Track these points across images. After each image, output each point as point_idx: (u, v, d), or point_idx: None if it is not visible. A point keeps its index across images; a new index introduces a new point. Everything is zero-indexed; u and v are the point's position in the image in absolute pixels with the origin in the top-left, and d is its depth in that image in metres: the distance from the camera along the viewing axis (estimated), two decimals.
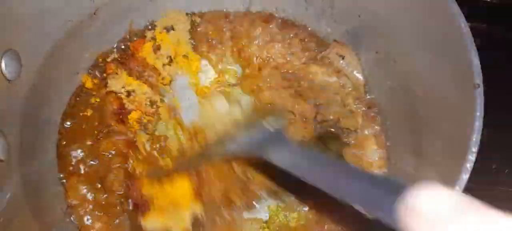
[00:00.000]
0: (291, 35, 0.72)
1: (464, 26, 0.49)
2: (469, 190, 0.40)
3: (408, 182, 0.22)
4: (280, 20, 0.72)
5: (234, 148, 0.54)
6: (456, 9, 0.50)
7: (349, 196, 0.32)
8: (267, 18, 0.72)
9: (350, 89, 0.68)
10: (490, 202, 0.20)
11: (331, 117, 0.67)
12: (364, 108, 0.67)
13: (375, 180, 0.32)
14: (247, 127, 0.55)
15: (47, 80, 0.64)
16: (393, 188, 0.24)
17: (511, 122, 0.79)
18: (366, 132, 0.65)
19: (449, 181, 0.43)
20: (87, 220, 0.62)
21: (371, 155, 0.64)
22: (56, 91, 0.68)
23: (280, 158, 0.46)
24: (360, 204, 0.30)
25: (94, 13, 0.71)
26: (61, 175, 0.65)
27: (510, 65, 0.85)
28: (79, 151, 0.67)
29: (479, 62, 0.46)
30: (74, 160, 0.67)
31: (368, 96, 0.69)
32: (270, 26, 0.70)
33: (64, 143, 0.67)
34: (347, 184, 0.34)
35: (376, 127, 0.65)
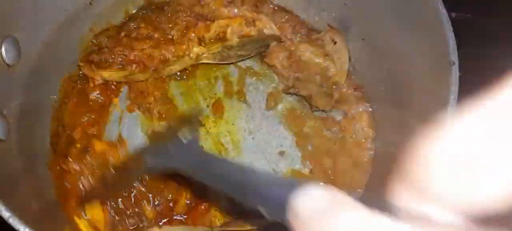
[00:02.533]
0: (283, 20, 0.75)
1: (441, 8, 0.52)
2: None
3: (297, 184, 0.22)
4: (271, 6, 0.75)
5: (151, 165, 0.54)
6: None
7: (253, 201, 0.31)
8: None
9: (331, 73, 0.70)
10: None
11: (305, 93, 0.70)
12: (350, 91, 0.70)
13: (267, 178, 0.31)
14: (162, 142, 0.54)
15: (45, 66, 0.67)
16: (284, 187, 0.24)
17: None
18: (353, 111, 0.68)
19: None
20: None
21: (359, 134, 0.67)
22: (53, 77, 0.70)
23: (189, 168, 0.45)
24: (252, 202, 0.30)
25: (90, 3, 0.73)
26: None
27: (492, 56, 0.87)
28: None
29: (454, 41, 0.49)
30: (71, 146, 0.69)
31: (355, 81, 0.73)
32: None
33: (60, 126, 0.69)
34: (251, 189, 0.33)
35: (363, 106, 0.68)
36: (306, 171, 0.70)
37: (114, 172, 0.63)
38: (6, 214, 0.41)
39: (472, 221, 0.18)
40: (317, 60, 0.70)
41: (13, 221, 0.40)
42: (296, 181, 0.23)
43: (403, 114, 0.61)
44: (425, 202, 0.19)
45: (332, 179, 0.68)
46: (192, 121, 0.65)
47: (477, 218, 0.18)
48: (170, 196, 0.65)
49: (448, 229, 0.18)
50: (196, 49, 0.72)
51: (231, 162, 0.48)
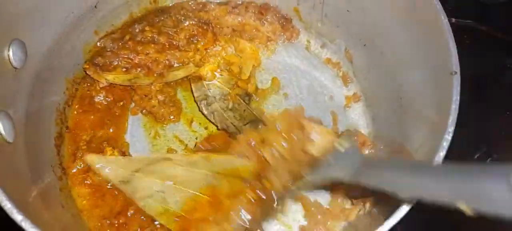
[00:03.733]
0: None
1: (444, 18, 0.53)
2: None
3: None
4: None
5: (310, 179, 0.55)
6: (437, 4, 0.54)
7: (455, 196, 0.29)
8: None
9: None
10: None
11: None
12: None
13: (476, 171, 0.29)
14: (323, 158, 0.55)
15: (50, 69, 0.67)
16: (498, 174, 0.23)
17: (494, 115, 0.80)
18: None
19: (429, 157, 0.47)
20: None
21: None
22: (58, 79, 0.71)
23: (366, 178, 0.45)
24: (467, 201, 0.28)
25: (95, 6, 0.74)
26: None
27: (495, 63, 0.87)
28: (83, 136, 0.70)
29: (456, 51, 0.51)
30: (76, 148, 0.70)
31: (357, 86, 0.74)
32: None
33: (64, 128, 0.70)
34: (452, 184, 0.31)
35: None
36: None
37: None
38: (18, 217, 0.41)
39: None
40: None
41: (26, 224, 0.41)
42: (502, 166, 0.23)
43: (403, 120, 0.62)
44: None
45: None
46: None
47: None
48: None
49: None
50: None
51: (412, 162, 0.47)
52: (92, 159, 0.64)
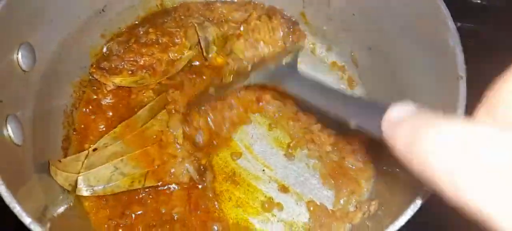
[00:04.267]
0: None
1: (450, 23, 0.53)
2: None
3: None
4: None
5: (256, 78, 0.68)
6: (444, 9, 0.54)
7: (346, 115, 0.41)
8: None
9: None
10: None
11: None
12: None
13: (365, 102, 0.41)
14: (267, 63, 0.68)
15: (57, 72, 0.68)
16: (378, 107, 0.31)
17: None
18: None
19: None
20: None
21: None
22: (65, 82, 0.71)
23: (291, 86, 0.59)
24: (354, 121, 0.38)
25: (102, 10, 0.74)
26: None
27: (497, 64, 0.88)
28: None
29: (463, 57, 0.51)
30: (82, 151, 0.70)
31: (362, 89, 0.74)
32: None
33: (72, 131, 0.71)
34: (344, 105, 0.44)
35: None
36: None
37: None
38: (27, 220, 0.42)
39: None
40: None
41: (34, 227, 0.41)
42: (387, 103, 0.29)
43: None
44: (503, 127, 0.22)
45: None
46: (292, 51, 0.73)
47: None
48: None
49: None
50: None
51: (332, 87, 0.58)
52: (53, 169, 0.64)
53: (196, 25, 0.75)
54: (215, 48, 0.75)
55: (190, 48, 0.76)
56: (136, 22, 0.80)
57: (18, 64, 0.58)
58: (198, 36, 0.74)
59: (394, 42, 0.66)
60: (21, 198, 0.45)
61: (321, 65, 0.80)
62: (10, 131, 0.54)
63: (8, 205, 0.43)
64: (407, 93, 0.63)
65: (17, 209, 0.43)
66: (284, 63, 0.65)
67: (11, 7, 0.54)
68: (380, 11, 0.67)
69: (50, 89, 0.67)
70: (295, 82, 0.59)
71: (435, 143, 0.23)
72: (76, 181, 0.64)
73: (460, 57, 0.51)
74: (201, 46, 0.75)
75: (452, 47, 0.52)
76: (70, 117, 0.72)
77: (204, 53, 0.75)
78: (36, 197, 0.55)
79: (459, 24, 0.79)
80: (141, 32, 0.77)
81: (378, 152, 0.65)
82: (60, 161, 0.64)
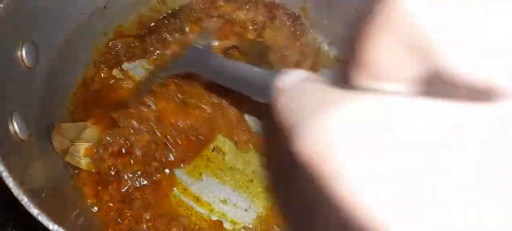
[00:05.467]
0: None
1: None
2: None
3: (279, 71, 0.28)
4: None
5: (171, 67, 0.71)
6: None
7: (241, 87, 0.44)
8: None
9: None
10: None
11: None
12: None
13: (258, 72, 0.41)
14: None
15: (60, 69, 0.68)
16: (269, 76, 0.32)
17: None
18: None
19: None
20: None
21: None
22: (68, 79, 0.72)
23: (204, 70, 0.60)
24: (248, 92, 0.41)
25: (104, 7, 0.75)
26: None
27: None
28: None
29: None
30: None
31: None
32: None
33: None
34: (241, 78, 0.46)
35: None
36: None
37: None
38: (35, 211, 0.42)
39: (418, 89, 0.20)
40: None
41: (42, 218, 0.42)
42: (280, 71, 0.29)
43: None
44: (378, 81, 0.20)
45: None
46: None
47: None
48: None
49: (401, 95, 0.18)
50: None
51: (232, 61, 0.61)
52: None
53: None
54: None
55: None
56: (140, 22, 0.80)
57: (22, 61, 0.59)
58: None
59: None
60: (27, 190, 0.45)
61: (323, 59, 0.81)
62: (16, 126, 0.55)
63: (16, 197, 0.44)
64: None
65: (25, 200, 0.43)
66: (198, 46, 0.66)
67: (13, 5, 0.55)
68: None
69: (54, 86, 0.67)
70: (208, 65, 0.59)
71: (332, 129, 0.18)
72: (67, 148, 0.65)
73: None
74: None
75: None
76: (74, 113, 0.72)
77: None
78: (42, 190, 0.55)
79: None
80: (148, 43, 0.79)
81: None
82: (61, 125, 0.66)
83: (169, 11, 0.81)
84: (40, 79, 0.63)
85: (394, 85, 0.20)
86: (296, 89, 0.23)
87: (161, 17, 0.80)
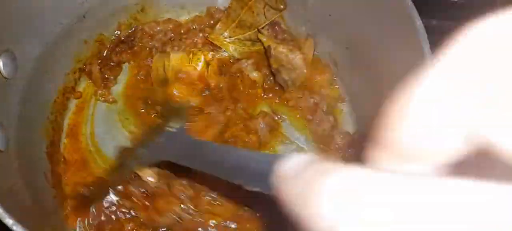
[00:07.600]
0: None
1: (418, 21, 0.56)
2: None
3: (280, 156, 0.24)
4: None
5: (144, 159, 0.61)
6: (412, 9, 0.57)
7: (231, 175, 0.35)
8: None
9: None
10: None
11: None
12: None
13: (253, 157, 0.33)
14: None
15: (40, 79, 0.69)
16: (267, 162, 0.27)
17: None
18: None
19: None
20: None
21: None
22: (48, 88, 0.72)
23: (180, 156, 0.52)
24: (241, 180, 0.32)
25: (84, 17, 0.75)
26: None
27: None
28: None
29: (429, 48, 0.53)
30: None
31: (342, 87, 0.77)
32: None
33: (56, 136, 0.72)
34: (230, 165, 0.37)
35: None
36: None
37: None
38: (9, 222, 0.43)
39: (443, 171, 0.19)
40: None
41: (16, 229, 0.42)
42: (277, 155, 0.25)
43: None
44: (401, 162, 0.20)
45: None
46: (180, 113, 0.67)
47: (447, 167, 0.19)
48: None
49: (424, 178, 0.17)
50: None
51: (216, 145, 0.52)
52: None
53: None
54: None
55: None
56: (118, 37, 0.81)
57: (0, 71, 0.59)
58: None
59: (369, 41, 0.68)
60: (4, 201, 0.46)
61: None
62: None
63: None
64: (383, 82, 0.65)
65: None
66: (173, 130, 0.58)
67: None
68: (354, 12, 0.69)
69: (34, 95, 0.68)
70: (187, 151, 0.51)
71: (322, 192, 0.18)
72: None
73: (427, 53, 0.53)
74: None
75: (419, 45, 0.54)
76: (54, 122, 0.73)
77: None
78: (20, 200, 0.56)
79: (435, 22, 0.82)
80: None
81: None
82: None
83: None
84: (18, 90, 0.64)
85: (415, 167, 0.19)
86: (300, 175, 0.21)
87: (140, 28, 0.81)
